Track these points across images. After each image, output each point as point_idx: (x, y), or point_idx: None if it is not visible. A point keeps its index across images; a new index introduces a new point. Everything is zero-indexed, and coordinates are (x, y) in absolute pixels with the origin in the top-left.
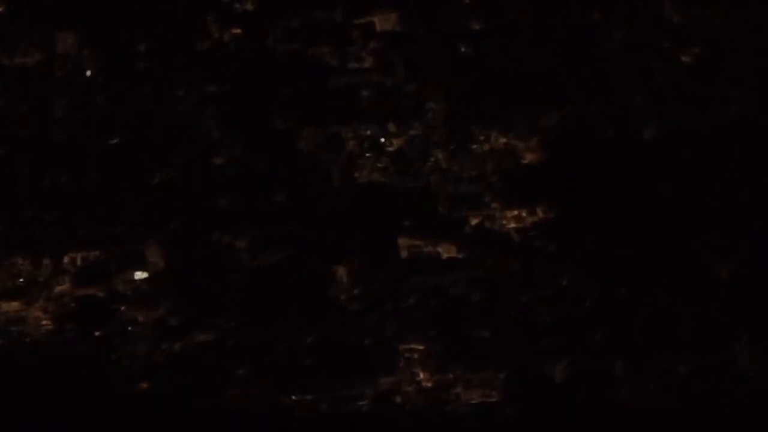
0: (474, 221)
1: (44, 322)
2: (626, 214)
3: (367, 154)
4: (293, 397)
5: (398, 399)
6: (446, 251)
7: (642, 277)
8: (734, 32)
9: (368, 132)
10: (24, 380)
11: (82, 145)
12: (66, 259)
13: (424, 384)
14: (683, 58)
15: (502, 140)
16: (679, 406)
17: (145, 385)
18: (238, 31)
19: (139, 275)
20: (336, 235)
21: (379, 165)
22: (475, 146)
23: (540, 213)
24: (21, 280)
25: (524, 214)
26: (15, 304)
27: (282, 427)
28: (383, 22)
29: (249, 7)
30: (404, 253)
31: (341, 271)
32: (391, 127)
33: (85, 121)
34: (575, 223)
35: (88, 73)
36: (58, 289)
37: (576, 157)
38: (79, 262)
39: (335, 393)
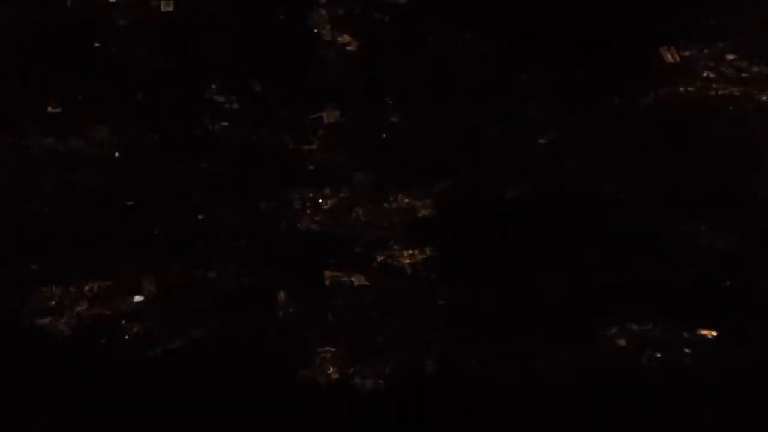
0: (380, 258)
1: (66, 333)
2: (491, 253)
3: (308, 211)
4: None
5: (312, 387)
6: (357, 280)
7: (498, 296)
8: (580, 124)
9: (311, 195)
10: (48, 374)
11: (106, 207)
12: (86, 287)
13: (332, 376)
14: (540, 141)
15: (405, 200)
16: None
17: (133, 380)
18: (226, 123)
19: (137, 299)
20: (281, 268)
21: (315, 218)
22: (386, 205)
23: (428, 252)
24: (53, 302)
25: (416, 253)
26: (47, 320)
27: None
28: (330, 115)
29: (236, 106)
30: (327, 282)
31: (282, 294)
32: (327, 192)
33: (109, 190)
34: (452, 260)
35: (117, 155)
36: (78, 309)
37: (458, 212)
38: (95, 289)
39: (270, 380)
